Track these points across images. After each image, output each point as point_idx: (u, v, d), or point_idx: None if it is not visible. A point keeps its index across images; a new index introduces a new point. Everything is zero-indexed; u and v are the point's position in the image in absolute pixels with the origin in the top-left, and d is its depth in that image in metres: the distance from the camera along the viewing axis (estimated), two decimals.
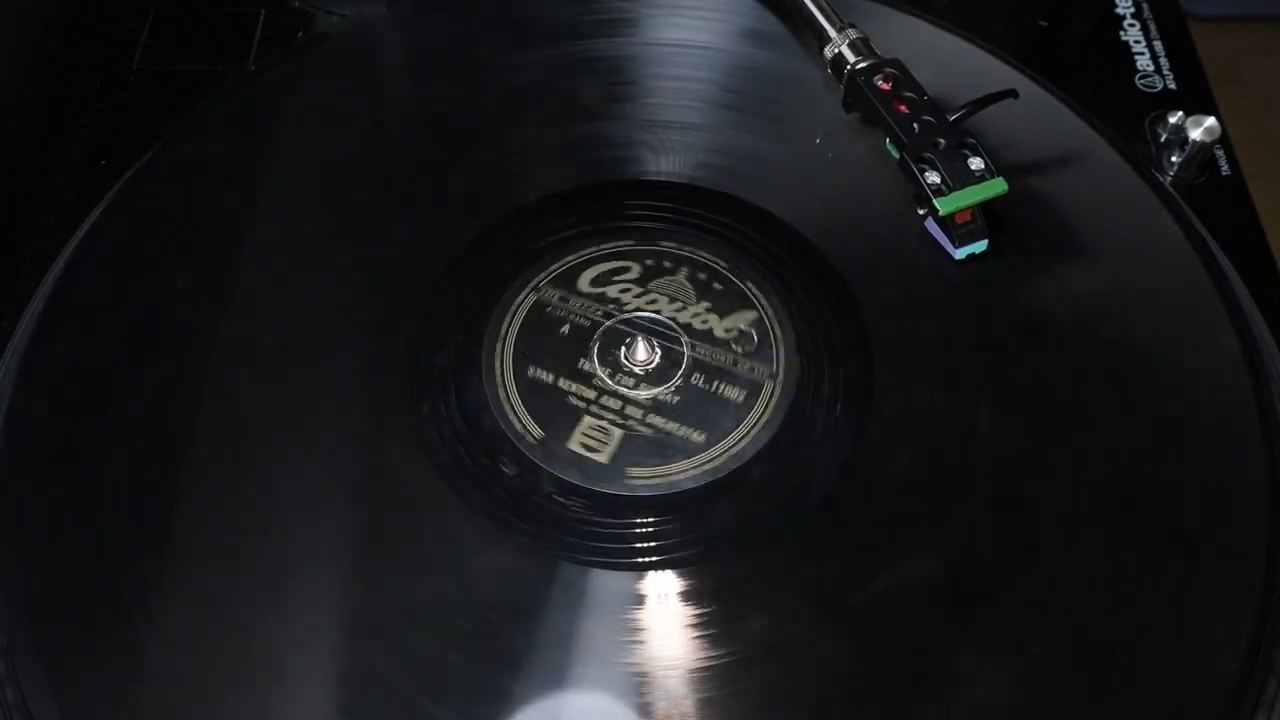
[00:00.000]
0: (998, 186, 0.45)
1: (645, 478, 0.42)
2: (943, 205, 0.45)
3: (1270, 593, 0.39)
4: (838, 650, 0.39)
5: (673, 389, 0.44)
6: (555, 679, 0.38)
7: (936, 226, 0.46)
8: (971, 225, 0.46)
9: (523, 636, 0.39)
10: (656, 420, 0.43)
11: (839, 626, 0.39)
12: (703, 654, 0.38)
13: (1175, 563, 0.40)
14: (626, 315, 0.46)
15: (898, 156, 0.47)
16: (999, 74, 0.52)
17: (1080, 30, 0.59)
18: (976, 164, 0.45)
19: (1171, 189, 0.51)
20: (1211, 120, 0.52)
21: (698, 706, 0.37)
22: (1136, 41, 0.58)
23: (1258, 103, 1.18)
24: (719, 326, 0.46)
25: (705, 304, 0.46)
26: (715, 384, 0.44)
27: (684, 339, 0.45)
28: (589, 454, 0.42)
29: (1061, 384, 0.44)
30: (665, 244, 0.48)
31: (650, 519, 0.41)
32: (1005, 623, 0.39)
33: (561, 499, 0.41)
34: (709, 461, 0.42)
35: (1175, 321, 0.46)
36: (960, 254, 0.46)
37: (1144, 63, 0.57)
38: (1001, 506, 0.41)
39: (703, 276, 0.47)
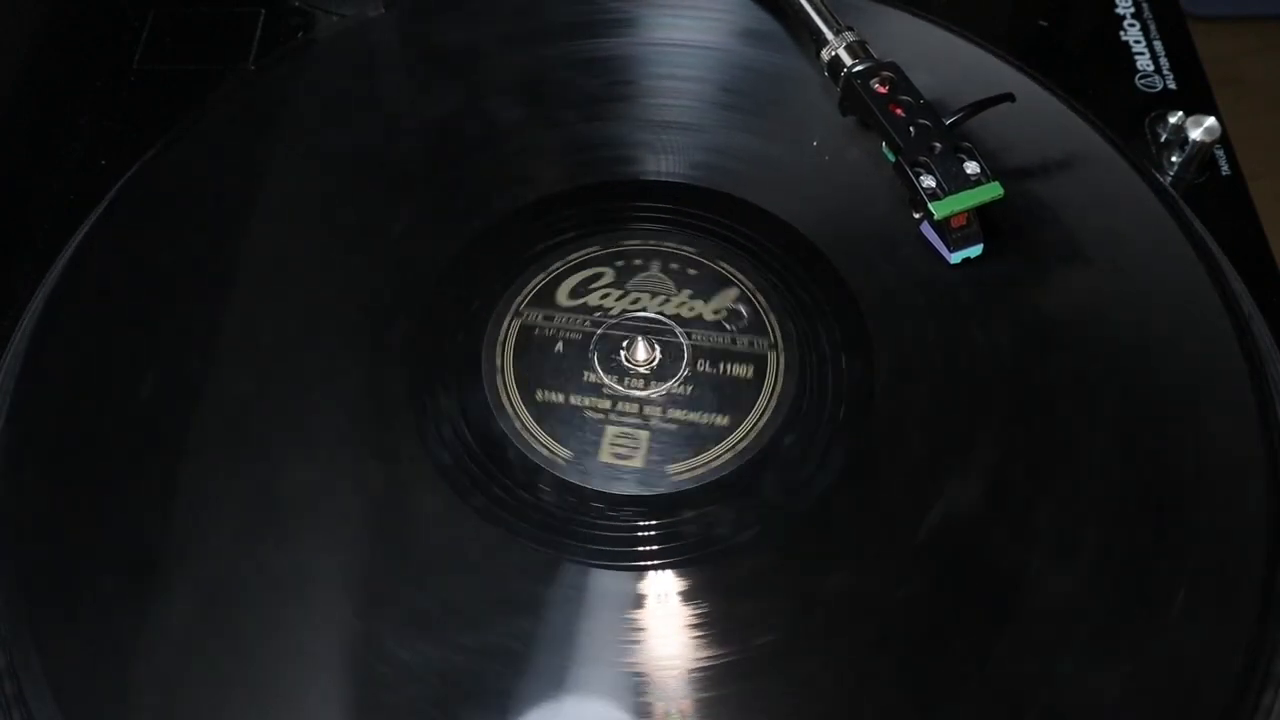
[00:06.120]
0: (993, 191, 0.45)
1: (681, 472, 0.42)
2: (937, 209, 0.45)
3: (1270, 592, 0.39)
4: (839, 650, 0.39)
5: (680, 382, 0.44)
6: (556, 679, 0.38)
7: (932, 230, 0.46)
8: (967, 229, 0.46)
9: (524, 637, 0.39)
10: (676, 416, 0.44)
11: (840, 626, 0.39)
12: (703, 654, 0.38)
13: (1175, 563, 0.40)
14: (617, 319, 0.46)
15: (893, 160, 0.47)
16: (999, 74, 0.52)
17: (1080, 30, 0.59)
18: (972, 168, 0.45)
19: (1171, 189, 0.51)
20: (1211, 120, 0.52)
21: (697, 706, 0.37)
22: (1136, 41, 0.58)
23: (1258, 103, 1.18)
24: (713, 317, 0.46)
25: (697, 299, 0.46)
26: (717, 379, 0.44)
27: (680, 336, 0.45)
28: (622, 462, 0.42)
29: (1060, 384, 0.44)
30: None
31: (653, 518, 0.41)
32: (1005, 623, 0.39)
33: (613, 511, 0.42)
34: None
35: (1175, 322, 0.46)
36: (955, 258, 0.46)
37: (1144, 63, 0.57)
38: (1001, 507, 0.41)
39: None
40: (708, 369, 0.45)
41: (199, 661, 0.38)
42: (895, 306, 0.46)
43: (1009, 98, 0.47)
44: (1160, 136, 0.53)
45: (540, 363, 0.45)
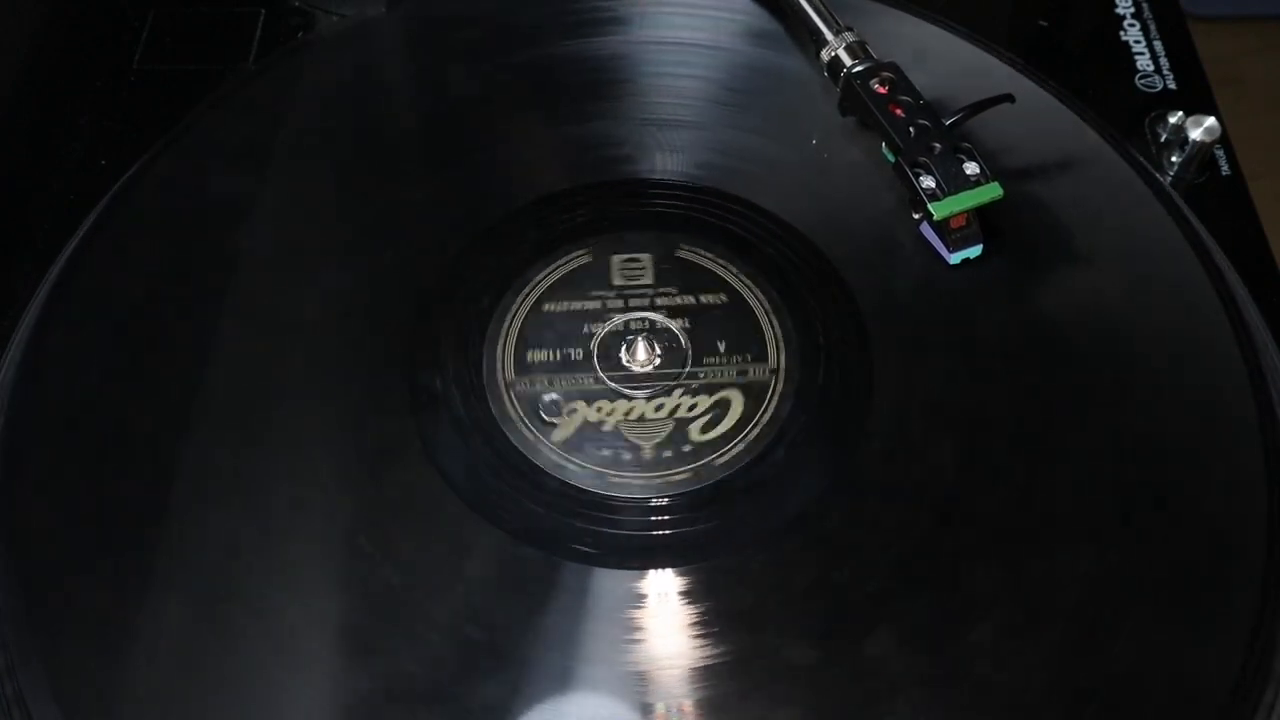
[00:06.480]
0: (993, 191, 0.45)
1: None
2: (937, 210, 0.45)
3: (1269, 592, 0.39)
4: (838, 649, 0.39)
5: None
6: (556, 679, 0.38)
7: (931, 231, 0.46)
8: (966, 230, 0.46)
9: (523, 637, 0.39)
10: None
11: (839, 625, 0.39)
12: (703, 654, 0.38)
13: (1174, 563, 0.40)
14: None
15: (893, 160, 0.47)
16: (999, 74, 0.52)
17: (1080, 30, 0.59)
18: (972, 169, 0.45)
19: (1171, 189, 0.51)
20: (1211, 120, 0.52)
21: (697, 706, 0.38)
22: (1136, 41, 0.58)
23: (1258, 103, 1.17)
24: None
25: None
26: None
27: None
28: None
29: (1060, 384, 0.44)
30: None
31: (652, 518, 0.41)
32: (1003, 624, 0.39)
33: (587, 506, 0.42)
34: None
35: (1175, 322, 0.46)
36: (955, 259, 0.46)
37: (1144, 63, 0.57)
38: (1000, 508, 0.41)
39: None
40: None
41: (198, 662, 0.38)
42: (895, 306, 0.46)
43: (1008, 98, 0.47)
44: (1160, 136, 0.53)
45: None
